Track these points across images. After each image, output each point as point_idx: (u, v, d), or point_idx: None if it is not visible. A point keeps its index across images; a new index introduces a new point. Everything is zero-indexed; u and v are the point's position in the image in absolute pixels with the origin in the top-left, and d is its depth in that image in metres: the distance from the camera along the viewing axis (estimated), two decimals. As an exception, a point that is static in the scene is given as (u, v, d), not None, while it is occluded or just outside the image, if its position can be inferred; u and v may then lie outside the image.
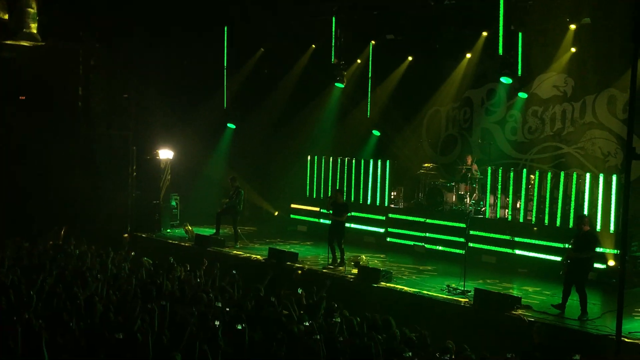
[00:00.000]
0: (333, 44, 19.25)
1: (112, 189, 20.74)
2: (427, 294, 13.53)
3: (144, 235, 19.68)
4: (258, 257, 16.83)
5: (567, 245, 12.79)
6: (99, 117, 21.48)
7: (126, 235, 18.59)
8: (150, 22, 19.88)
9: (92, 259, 14.74)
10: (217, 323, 9.37)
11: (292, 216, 20.65)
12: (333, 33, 19.18)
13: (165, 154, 20.48)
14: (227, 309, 10.79)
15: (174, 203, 20.87)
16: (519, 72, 16.75)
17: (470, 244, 15.89)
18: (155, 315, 9.94)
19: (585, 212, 14.87)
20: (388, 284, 14.21)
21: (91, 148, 21.08)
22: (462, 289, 13.53)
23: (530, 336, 10.76)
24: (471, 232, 15.84)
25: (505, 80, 16.77)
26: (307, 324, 9.78)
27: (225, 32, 21.20)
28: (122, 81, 21.47)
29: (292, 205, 20.65)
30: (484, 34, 17.77)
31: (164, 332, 9.35)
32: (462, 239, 15.94)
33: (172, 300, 11.13)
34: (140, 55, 20.86)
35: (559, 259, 14.09)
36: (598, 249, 13.20)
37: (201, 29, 20.50)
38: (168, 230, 20.21)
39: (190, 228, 19.24)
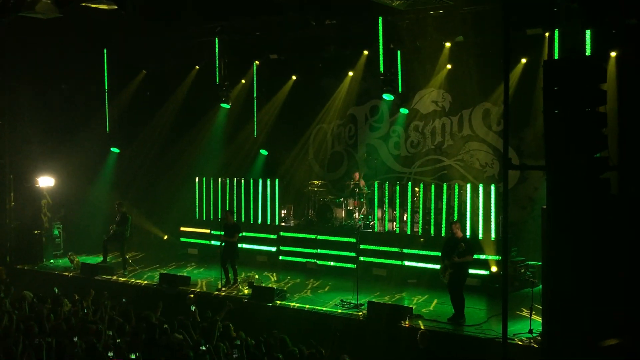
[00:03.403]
0: (217, 65, 19.19)
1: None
2: (322, 310, 13.67)
3: (25, 268, 18.75)
4: (148, 283, 16.43)
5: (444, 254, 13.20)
6: (-29, 146, 20.33)
7: (1, 267, 17.63)
8: (22, 44, 19.06)
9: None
10: (110, 354, 9.06)
11: (182, 239, 20.29)
12: (217, 54, 19.13)
13: (46, 181, 19.65)
14: (119, 340, 10.44)
15: (56, 232, 20.03)
16: (400, 89, 17.34)
17: (361, 258, 16.19)
18: (42, 351, 9.48)
19: (468, 219, 15.55)
20: (283, 303, 14.25)
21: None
22: (356, 302, 13.76)
23: (416, 343, 11.06)
24: (361, 246, 16.16)
25: (387, 96, 17.29)
26: (204, 348, 9.63)
27: (105, 55, 20.68)
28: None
29: (182, 229, 20.31)
30: (365, 52, 18.24)
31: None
32: (353, 254, 16.21)
33: (59, 334, 10.65)
34: (14, 79, 19.95)
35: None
36: (477, 255, 13.86)
37: (79, 51, 19.86)
38: (51, 261, 19.37)
39: (75, 257, 18.51)
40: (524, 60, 16.19)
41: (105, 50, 20.63)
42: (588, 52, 12.33)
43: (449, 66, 17.51)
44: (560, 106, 9.50)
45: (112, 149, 21.35)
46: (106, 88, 20.96)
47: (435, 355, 10.89)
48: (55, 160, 20.02)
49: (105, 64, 20.74)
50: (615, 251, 9.75)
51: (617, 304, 9.66)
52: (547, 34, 14.73)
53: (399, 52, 17.16)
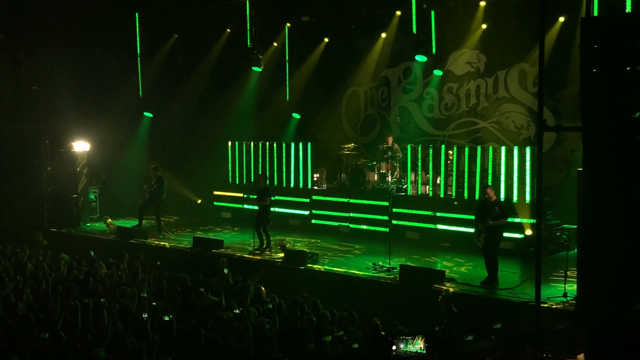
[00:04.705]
0: (248, 28, 19.03)
1: (25, 185, 19.97)
2: (354, 273, 13.68)
3: (63, 231, 19.08)
4: (182, 246, 16.61)
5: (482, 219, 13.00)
6: (7, 111, 20.59)
7: (39, 231, 17.96)
8: (55, 10, 19.13)
9: (6, 258, 14.20)
10: (145, 316, 9.18)
11: (215, 203, 20.42)
12: (247, 16, 18.96)
13: (81, 146, 19.86)
14: (154, 303, 10.59)
15: (92, 196, 20.31)
16: (433, 50, 17.06)
17: (394, 222, 16.14)
18: (78, 313, 9.65)
19: (502, 182, 15.36)
20: (315, 266, 14.29)
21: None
22: (388, 266, 13.74)
23: (438, 305, 10.97)
24: (394, 210, 16.08)
25: (420, 58, 17.01)
26: (237, 311, 9.71)
27: (137, 19, 20.66)
28: (30, 72, 20.60)
29: (215, 193, 20.42)
30: (398, 13, 17.94)
31: (89, 329, 9.09)
32: (385, 217, 16.16)
33: (95, 296, 10.83)
34: (48, 44, 20.08)
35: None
36: (511, 218, 13.66)
37: (110, 16, 19.87)
38: (88, 225, 19.68)
39: (110, 221, 18.77)
40: (561, 19, 15.77)
41: (137, 14, 20.61)
42: (628, 9, 11.93)
43: (484, 26, 17.15)
44: (598, 65, 9.19)
45: (145, 113, 21.47)
46: (138, 52, 21.00)
47: (459, 319, 10.75)
48: (90, 125, 20.19)
49: (137, 28, 20.74)
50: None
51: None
52: (586, -9, 14.28)
53: (432, 12, 16.85)
